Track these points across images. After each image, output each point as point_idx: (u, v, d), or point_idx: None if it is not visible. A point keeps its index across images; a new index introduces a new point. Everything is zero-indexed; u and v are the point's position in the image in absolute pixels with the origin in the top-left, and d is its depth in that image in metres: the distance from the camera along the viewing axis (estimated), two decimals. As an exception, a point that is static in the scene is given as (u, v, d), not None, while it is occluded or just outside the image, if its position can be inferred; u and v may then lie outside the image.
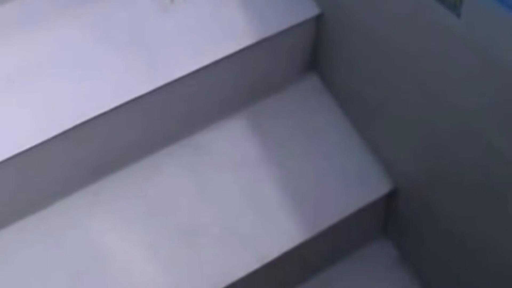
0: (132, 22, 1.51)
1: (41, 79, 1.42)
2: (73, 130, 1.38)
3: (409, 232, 1.63)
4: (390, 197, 1.57)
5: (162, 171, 1.54)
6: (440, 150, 1.34)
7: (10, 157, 1.35)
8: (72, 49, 1.46)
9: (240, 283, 1.43)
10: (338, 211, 1.52)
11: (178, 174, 1.55)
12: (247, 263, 1.44)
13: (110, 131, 1.47)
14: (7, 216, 1.45)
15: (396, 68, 1.36)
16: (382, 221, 1.68)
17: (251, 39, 1.51)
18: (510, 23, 0.98)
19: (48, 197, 1.48)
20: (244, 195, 1.53)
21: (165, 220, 1.49)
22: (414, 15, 1.21)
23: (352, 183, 1.56)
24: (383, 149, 1.56)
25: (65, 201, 1.48)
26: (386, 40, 1.35)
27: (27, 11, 1.49)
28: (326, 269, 1.66)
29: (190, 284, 1.42)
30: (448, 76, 1.20)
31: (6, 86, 1.41)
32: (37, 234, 1.45)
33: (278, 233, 1.49)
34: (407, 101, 1.37)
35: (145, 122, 1.52)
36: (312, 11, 1.55)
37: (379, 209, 1.61)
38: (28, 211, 1.47)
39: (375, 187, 1.56)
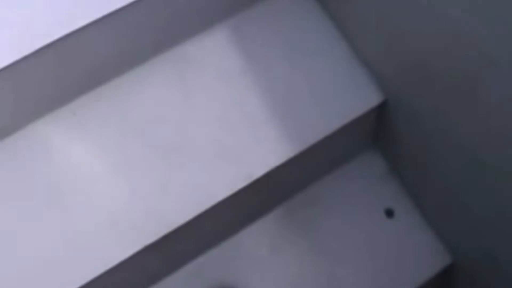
0: None
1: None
2: (50, 45, 1.30)
3: (399, 144, 1.59)
4: (381, 109, 1.51)
5: (143, 87, 1.47)
6: (430, 60, 1.28)
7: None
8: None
9: (226, 202, 1.39)
10: (328, 125, 1.47)
11: (159, 89, 1.48)
12: (233, 182, 1.40)
13: (89, 44, 1.38)
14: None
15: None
16: (372, 134, 1.63)
17: None
18: None
19: (24, 117, 1.41)
20: (229, 109, 1.46)
21: (146, 138, 1.43)
22: None
23: (342, 96, 1.49)
24: (373, 60, 1.49)
25: (42, 121, 1.43)
26: None
27: None
28: (314, 184, 1.63)
29: (174, 205, 1.37)
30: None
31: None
32: (13, 155, 1.40)
33: (265, 149, 1.43)
34: (399, 12, 1.30)
35: (126, 34, 1.43)
36: None
37: (369, 121, 1.56)
38: (4, 132, 1.41)
39: (365, 99, 1.49)
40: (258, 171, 1.42)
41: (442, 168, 1.45)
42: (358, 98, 1.49)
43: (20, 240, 1.35)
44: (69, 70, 1.41)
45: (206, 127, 1.46)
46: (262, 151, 1.44)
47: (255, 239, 1.57)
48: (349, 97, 1.49)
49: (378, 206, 1.64)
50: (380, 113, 1.54)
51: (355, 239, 1.60)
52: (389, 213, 1.63)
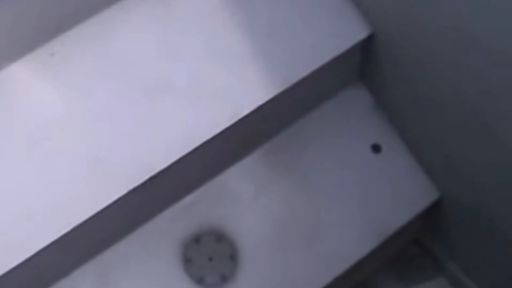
0: None
1: None
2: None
3: (385, 79, 1.55)
4: (367, 43, 1.47)
5: (122, 25, 1.41)
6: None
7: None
8: None
9: (211, 142, 1.36)
10: (313, 60, 1.42)
11: (139, 27, 1.42)
12: (218, 121, 1.36)
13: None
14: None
15: None
16: (358, 68, 1.59)
17: None
18: None
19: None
20: (212, 47, 1.41)
21: (127, 78, 1.38)
22: None
23: (327, 29, 1.44)
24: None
25: (18, 64, 1.37)
26: None
27: None
28: (299, 120, 1.60)
29: (158, 147, 1.34)
30: None
31: None
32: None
33: (250, 87, 1.39)
34: None
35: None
36: None
37: (355, 55, 1.52)
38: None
39: (352, 33, 1.45)
40: (244, 110, 1.38)
41: (427, 103, 1.43)
42: (345, 32, 1.45)
43: (1, 187, 1.31)
44: (45, 8, 1.35)
45: (188, 66, 1.41)
46: (247, 88, 1.40)
47: (240, 179, 1.55)
48: (335, 31, 1.45)
49: (364, 142, 1.61)
50: (366, 47, 1.50)
51: (341, 176, 1.59)
52: (376, 149, 1.61)
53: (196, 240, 1.49)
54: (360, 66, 1.59)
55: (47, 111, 1.35)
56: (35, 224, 1.27)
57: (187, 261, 1.47)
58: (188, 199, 1.52)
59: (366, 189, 1.58)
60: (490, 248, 1.51)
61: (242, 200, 1.53)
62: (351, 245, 1.53)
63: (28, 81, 1.36)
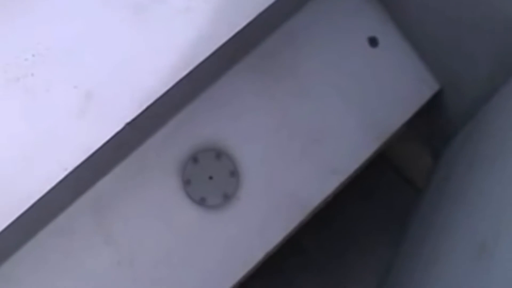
0: None
1: None
2: None
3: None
4: None
5: None
6: None
7: None
8: None
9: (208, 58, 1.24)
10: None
11: None
12: (215, 39, 1.23)
13: None
14: None
15: None
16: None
17: None
18: None
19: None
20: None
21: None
22: None
23: None
24: None
25: None
26: None
27: None
28: (292, 17, 1.46)
29: (152, 73, 1.21)
30: None
31: None
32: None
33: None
34: None
35: None
36: None
37: None
38: None
39: None
40: (241, 22, 1.25)
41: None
42: None
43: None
44: None
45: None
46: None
47: (234, 88, 1.42)
48: None
49: (360, 35, 1.50)
50: None
51: (338, 73, 1.48)
52: (373, 42, 1.50)
53: (194, 159, 1.39)
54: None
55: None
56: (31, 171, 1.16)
57: (187, 183, 1.38)
58: (180, 116, 1.40)
59: (365, 85, 1.48)
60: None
61: (238, 111, 1.43)
62: (352, 149, 1.46)
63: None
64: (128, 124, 1.19)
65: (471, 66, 1.38)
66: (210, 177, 1.40)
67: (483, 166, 1.24)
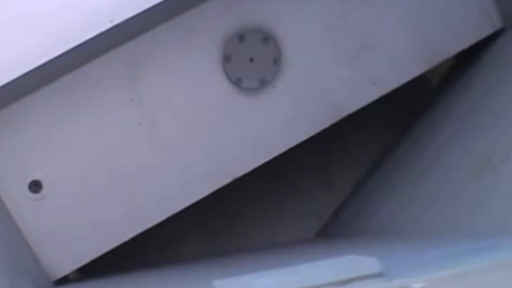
0: None
1: None
2: None
3: None
4: None
5: None
6: None
7: None
8: None
9: None
10: None
11: None
12: None
13: None
14: None
15: None
16: None
17: None
18: None
19: None
20: None
21: None
22: None
23: None
24: None
25: None
26: None
27: None
28: None
29: None
30: None
31: None
32: None
33: None
34: None
35: None
36: None
37: None
38: None
39: None
40: None
41: None
42: None
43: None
44: None
45: None
46: None
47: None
48: None
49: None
50: None
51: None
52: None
53: (240, 37, 1.32)
54: None
55: None
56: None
57: (226, 60, 1.32)
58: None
59: (428, 6, 1.41)
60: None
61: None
62: (400, 65, 1.40)
63: None
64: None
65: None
66: (251, 59, 1.34)
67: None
